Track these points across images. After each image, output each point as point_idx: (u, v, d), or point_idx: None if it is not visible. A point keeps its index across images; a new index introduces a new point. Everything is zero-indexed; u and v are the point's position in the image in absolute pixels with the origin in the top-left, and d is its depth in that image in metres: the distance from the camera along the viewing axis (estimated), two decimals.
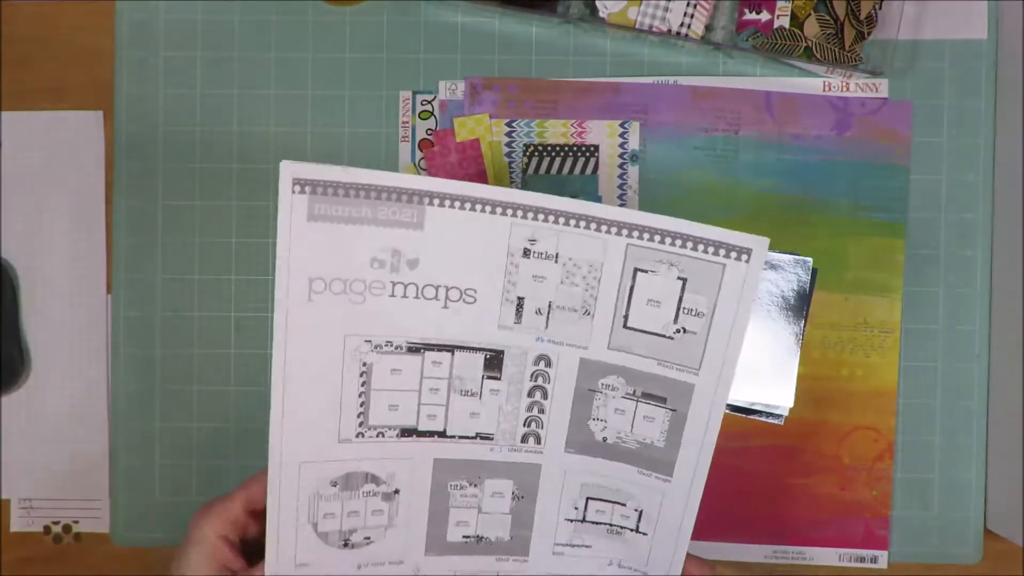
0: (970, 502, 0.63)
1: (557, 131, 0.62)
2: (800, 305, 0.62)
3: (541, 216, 0.45)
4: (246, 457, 0.63)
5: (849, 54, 0.60)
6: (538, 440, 0.48)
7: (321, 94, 0.63)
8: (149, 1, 0.63)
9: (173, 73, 0.63)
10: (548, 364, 0.47)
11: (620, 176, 0.62)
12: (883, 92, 0.63)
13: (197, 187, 0.63)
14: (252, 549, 0.48)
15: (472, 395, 0.47)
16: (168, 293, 0.63)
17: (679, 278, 0.45)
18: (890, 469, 0.63)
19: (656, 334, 0.46)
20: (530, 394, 0.48)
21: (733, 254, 0.44)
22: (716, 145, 0.62)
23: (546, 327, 0.46)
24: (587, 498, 0.49)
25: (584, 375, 0.47)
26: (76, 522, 0.65)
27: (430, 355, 0.46)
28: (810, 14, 0.61)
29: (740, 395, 0.62)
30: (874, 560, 0.62)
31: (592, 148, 0.62)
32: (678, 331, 0.46)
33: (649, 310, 0.46)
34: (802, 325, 0.61)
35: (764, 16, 0.61)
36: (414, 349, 0.46)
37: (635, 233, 0.45)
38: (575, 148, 0.62)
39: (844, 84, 0.63)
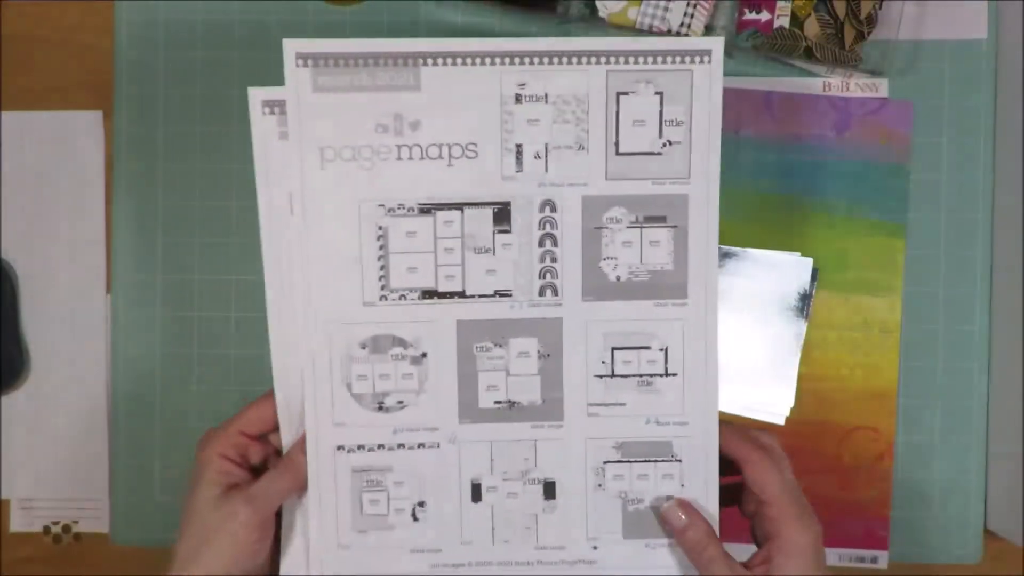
0: (970, 502, 0.63)
1: None
2: (801, 305, 0.61)
3: (527, 60, 0.48)
4: None
5: (849, 54, 0.60)
6: (555, 292, 0.49)
7: None
8: (149, 1, 0.63)
9: (173, 73, 0.63)
10: (553, 209, 0.49)
11: None
12: (883, 92, 0.63)
13: (197, 187, 0.63)
14: (256, 473, 0.50)
15: (486, 251, 0.49)
16: (168, 293, 0.63)
17: (656, 93, 0.48)
18: (890, 469, 0.63)
19: (646, 153, 0.48)
20: (540, 243, 0.49)
21: (697, 58, 0.48)
22: None
23: (546, 170, 0.49)
24: (612, 348, 0.50)
25: (588, 213, 0.49)
26: (76, 522, 0.65)
27: (441, 215, 0.49)
28: (810, 14, 0.60)
29: (740, 396, 0.62)
30: (874, 560, 0.62)
31: None
32: (664, 144, 0.48)
33: (636, 131, 0.48)
34: (803, 325, 0.61)
35: (764, 16, 0.61)
36: (425, 210, 0.48)
37: (612, 59, 0.48)
38: None
39: (844, 84, 0.63)
